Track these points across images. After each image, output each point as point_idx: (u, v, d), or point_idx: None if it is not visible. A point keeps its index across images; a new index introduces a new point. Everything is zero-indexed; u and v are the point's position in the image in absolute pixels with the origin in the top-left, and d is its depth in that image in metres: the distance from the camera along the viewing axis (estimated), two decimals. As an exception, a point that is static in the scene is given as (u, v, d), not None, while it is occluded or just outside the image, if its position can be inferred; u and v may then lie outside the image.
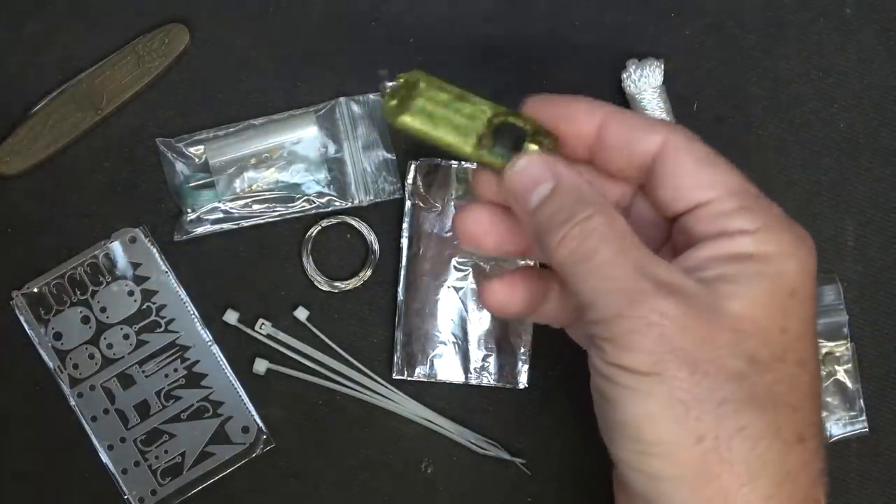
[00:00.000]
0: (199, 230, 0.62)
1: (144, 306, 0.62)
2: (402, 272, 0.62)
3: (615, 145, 0.47)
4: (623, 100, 0.62)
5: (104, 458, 0.62)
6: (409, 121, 0.48)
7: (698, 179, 0.45)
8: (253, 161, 0.62)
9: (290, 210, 0.62)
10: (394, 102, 0.49)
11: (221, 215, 0.62)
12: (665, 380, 0.42)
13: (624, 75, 0.61)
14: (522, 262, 0.61)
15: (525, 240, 0.49)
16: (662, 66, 0.61)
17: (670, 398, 0.42)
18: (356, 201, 0.62)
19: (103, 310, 0.62)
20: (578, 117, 0.47)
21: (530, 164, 0.46)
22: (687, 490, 0.42)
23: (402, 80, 0.50)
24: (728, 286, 0.43)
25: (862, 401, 0.62)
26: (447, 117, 0.48)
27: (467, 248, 0.54)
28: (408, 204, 0.62)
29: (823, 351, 0.62)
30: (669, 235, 0.48)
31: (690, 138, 0.46)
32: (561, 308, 0.51)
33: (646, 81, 0.61)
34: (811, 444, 0.44)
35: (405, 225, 0.62)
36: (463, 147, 0.48)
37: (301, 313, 0.62)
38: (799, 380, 0.44)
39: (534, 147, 0.47)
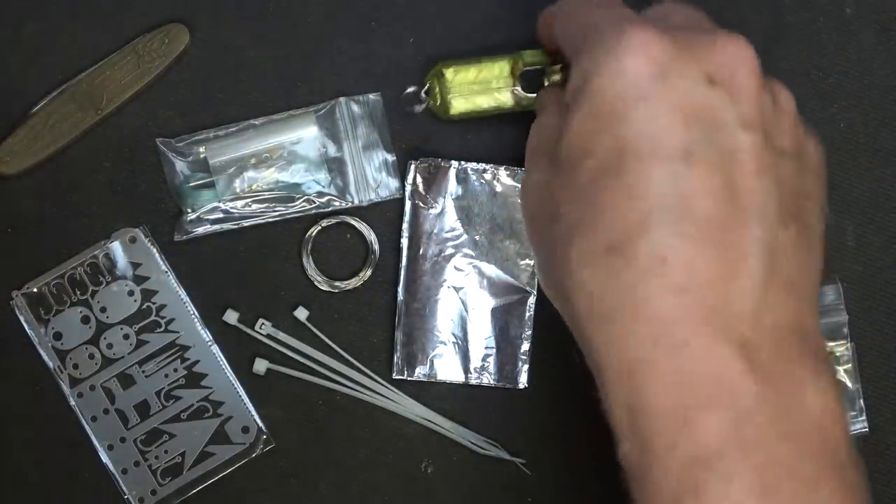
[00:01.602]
0: (199, 230, 0.62)
1: (144, 306, 0.62)
2: (402, 272, 0.62)
3: None
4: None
5: (104, 458, 0.62)
6: (455, 113, 0.60)
7: None
8: (253, 161, 0.62)
9: (290, 210, 0.62)
10: (436, 103, 0.60)
11: (221, 215, 0.62)
12: None
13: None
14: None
15: None
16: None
17: None
18: (356, 201, 0.62)
19: (103, 310, 0.62)
20: None
21: None
22: None
23: (431, 82, 0.60)
24: None
25: (862, 401, 0.62)
26: (482, 90, 0.59)
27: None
28: (408, 204, 0.62)
29: (823, 351, 0.62)
30: None
31: None
32: None
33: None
34: None
35: (405, 225, 0.62)
36: (506, 105, 0.59)
37: (301, 313, 0.62)
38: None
39: (556, 77, 0.54)
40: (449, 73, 0.59)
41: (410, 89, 0.61)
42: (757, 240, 0.41)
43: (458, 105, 0.60)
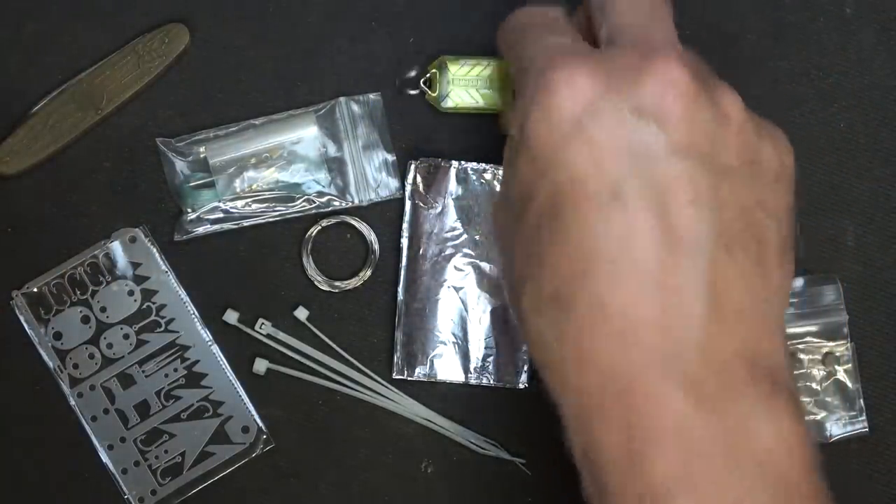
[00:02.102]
0: (199, 230, 0.62)
1: (144, 306, 0.62)
2: (402, 272, 0.62)
3: None
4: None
5: (104, 458, 0.62)
6: (452, 105, 0.61)
7: None
8: (253, 161, 0.62)
9: (290, 210, 0.62)
10: (434, 93, 0.60)
11: (221, 215, 0.62)
12: None
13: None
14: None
15: None
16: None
17: None
18: (356, 201, 0.62)
19: (103, 309, 0.62)
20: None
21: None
22: None
23: (433, 72, 0.61)
24: None
25: (862, 401, 0.62)
26: (482, 87, 0.60)
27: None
28: (408, 204, 0.62)
29: (823, 351, 0.62)
30: None
31: None
32: None
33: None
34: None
35: (405, 225, 0.62)
36: (504, 106, 0.60)
37: (301, 313, 0.62)
38: None
39: None
40: (453, 65, 0.60)
41: (412, 73, 0.62)
42: (695, 275, 0.40)
43: (456, 98, 0.61)
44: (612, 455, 0.40)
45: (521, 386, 0.62)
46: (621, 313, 0.40)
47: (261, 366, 0.62)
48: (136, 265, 0.62)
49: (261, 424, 0.62)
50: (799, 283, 0.63)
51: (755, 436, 0.40)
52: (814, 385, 0.62)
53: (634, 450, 0.40)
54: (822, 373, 0.62)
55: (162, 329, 0.62)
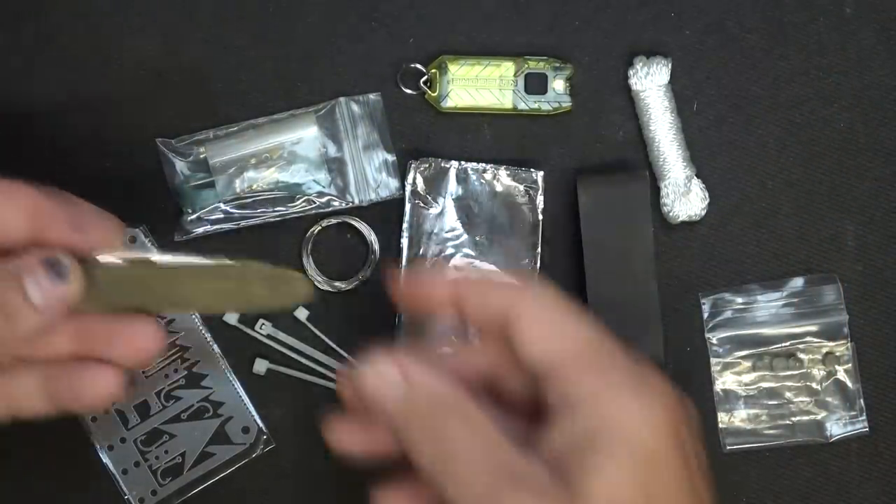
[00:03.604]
0: (199, 230, 0.62)
1: (144, 306, 0.62)
2: (402, 272, 0.62)
3: (472, 313, 0.46)
4: (626, 97, 0.62)
5: (104, 458, 0.62)
6: (452, 105, 0.61)
7: (544, 346, 0.44)
8: (253, 161, 0.62)
9: (290, 210, 0.62)
10: (434, 93, 0.60)
11: (221, 215, 0.62)
12: None
13: (630, 72, 0.61)
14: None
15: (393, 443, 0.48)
16: (670, 64, 0.61)
17: None
18: (356, 201, 0.62)
19: (103, 310, 0.62)
20: (437, 293, 0.47)
21: (380, 371, 0.45)
22: None
23: (433, 72, 0.60)
24: (580, 468, 0.41)
25: (862, 401, 0.62)
26: (482, 87, 0.60)
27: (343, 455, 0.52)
28: (408, 204, 0.62)
29: (823, 351, 0.62)
30: None
31: (538, 299, 0.45)
32: None
33: (651, 79, 0.61)
34: None
35: (405, 225, 0.62)
36: (504, 106, 0.61)
37: (301, 313, 0.62)
38: None
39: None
40: (453, 65, 0.61)
41: (414, 64, 0.62)
42: None
43: (456, 98, 0.61)
44: None
45: (522, 386, 0.62)
46: None
47: (261, 366, 0.62)
48: (136, 265, 0.62)
49: (261, 425, 0.62)
50: (799, 283, 0.63)
51: None
52: (814, 385, 0.62)
53: None
54: (822, 373, 0.62)
55: (162, 329, 0.62)
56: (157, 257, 0.47)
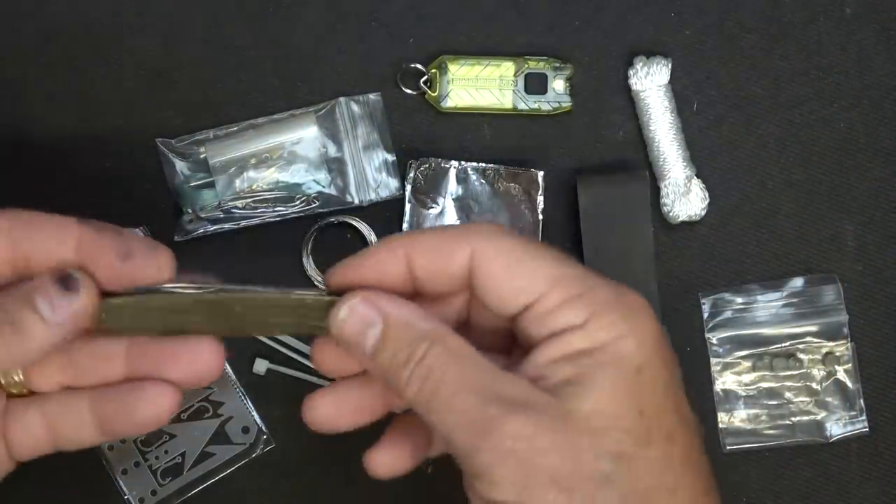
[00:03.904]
0: (199, 230, 0.62)
1: (144, 306, 0.62)
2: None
3: (428, 275, 0.45)
4: (626, 97, 0.62)
5: (104, 458, 0.62)
6: (452, 105, 0.61)
7: (515, 283, 0.43)
8: (253, 161, 0.62)
9: (290, 210, 0.62)
10: (434, 93, 0.61)
11: (221, 215, 0.62)
12: None
13: (630, 72, 0.61)
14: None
15: (380, 405, 0.48)
16: (670, 65, 0.61)
17: None
18: (356, 201, 0.62)
19: (103, 310, 0.62)
20: (385, 267, 0.45)
21: (354, 310, 0.44)
22: None
23: (433, 72, 0.60)
24: (573, 387, 0.42)
25: (862, 401, 0.62)
26: (482, 87, 0.60)
27: (322, 432, 0.51)
28: (408, 204, 0.62)
29: (823, 351, 0.62)
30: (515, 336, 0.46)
31: (496, 239, 0.44)
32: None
33: (652, 79, 0.61)
34: None
35: (405, 225, 0.62)
36: (504, 106, 0.61)
37: (301, 313, 0.62)
38: (671, 457, 0.42)
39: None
40: (453, 65, 0.61)
41: (414, 64, 0.62)
42: None
43: (456, 98, 0.61)
44: None
45: (522, 386, 0.62)
46: None
47: (261, 366, 0.62)
48: (136, 265, 0.62)
49: (261, 425, 0.62)
50: (799, 283, 0.63)
51: None
52: (814, 385, 0.62)
53: None
54: (822, 373, 0.62)
55: (162, 329, 0.62)
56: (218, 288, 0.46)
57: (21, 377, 0.46)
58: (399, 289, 0.45)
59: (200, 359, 0.46)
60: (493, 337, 0.46)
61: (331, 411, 0.48)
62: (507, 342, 0.47)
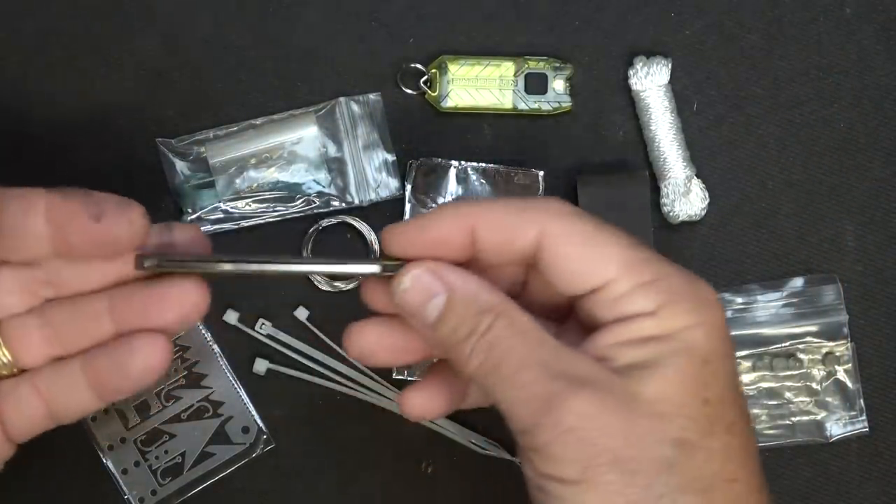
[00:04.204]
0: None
1: (144, 306, 0.62)
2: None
3: (491, 248, 0.44)
4: (626, 97, 0.62)
5: (104, 458, 0.62)
6: (452, 105, 0.61)
7: (586, 264, 0.43)
8: (253, 161, 0.62)
9: (290, 210, 0.62)
10: (434, 93, 0.61)
11: (221, 215, 0.62)
12: (597, 486, 0.40)
13: (630, 72, 0.61)
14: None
15: (421, 348, 0.47)
16: (670, 65, 0.61)
17: None
18: (356, 201, 0.62)
19: (103, 310, 0.62)
20: (449, 236, 0.44)
21: (419, 279, 0.44)
22: None
23: (433, 71, 0.61)
24: (639, 371, 0.41)
25: (862, 401, 0.62)
26: (482, 87, 0.60)
27: (361, 363, 0.52)
28: (408, 204, 0.62)
29: (823, 351, 0.62)
30: (572, 309, 0.46)
31: (568, 218, 0.44)
32: (483, 394, 0.48)
33: (652, 80, 0.61)
34: None
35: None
36: (504, 106, 0.61)
37: (301, 313, 0.62)
38: (731, 448, 0.42)
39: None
40: (453, 65, 0.61)
41: (414, 64, 0.62)
42: None
43: (456, 98, 0.61)
44: None
45: (522, 386, 0.62)
46: None
47: (261, 366, 0.62)
48: (136, 265, 0.62)
49: (261, 424, 0.62)
50: (799, 283, 0.63)
51: None
52: (814, 385, 0.62)
53: None
54: (822, 373, 0.62)
55: (162, 329, 0.62)
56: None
57: (9, 357, 0.45)
58: (457, 257, 0.45)
59: (188, 297, 0.45)
60: (545, 308, 0.46)
61: (372, 343, 0.47)
62: (559, 313, 0.46)
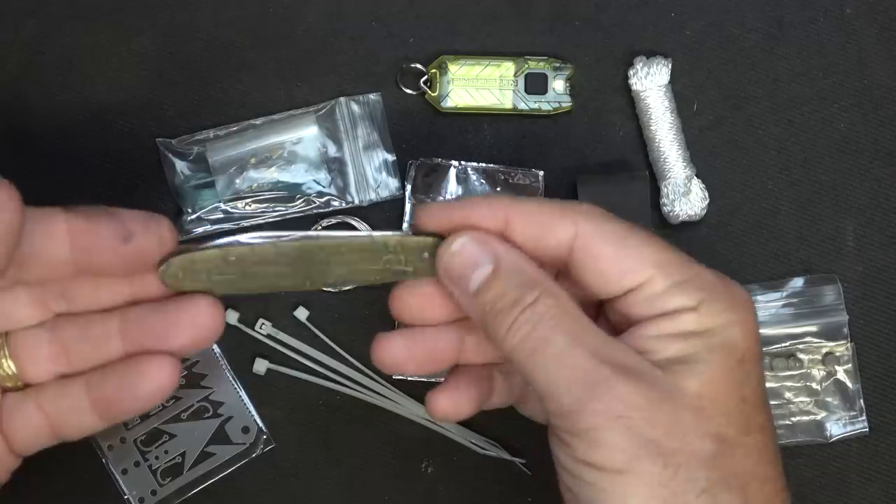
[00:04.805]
0: (200, 230, 0.62)
1: (144, 306, 0.62)
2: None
3: (525, 242, 0.44)
4: (626, 97, 0.62)
5: (104, 458, 0.62)
6: (452, 105, 0.61)
7: (622, 265, 0.43)
8: (253, 161, 0.62)
9: (290, 210, 0.62)
10: (434, 93, 0.61)
11: (221, 215, 0.62)
12: (641, 476, 0.40)
13: (630, 72, 0.61)
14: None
15: (448, 358, 0.47)
16: (670, 65, 0.61)
17: (649, 496, 0.40)
18: (356, 201, 0.62)
19: (103, 310, 0.62)
20: (484, 221, 0.44)
21: (466, 245, 0.44)
22: None
23: (433, 71, 0.61)
24: (682, 366, 0.42)
25: (862, 401, 0.62)
26: (482, 87, 0.60)
27: (389, 373, 0.51)
28: (408, 204, 0.62)
29: (823, 351, 0.62)
30: (599, 310, 0.46)
31: (601, 221, 0.44)
32: (507, 393, 0.49)
33: (652, 80, 0.61)
34: None
35: (405, 225, 0.62)
36: (504, 106, 0.61)
37: (301, 313, 0.62)
38: (765, 448, 0.43)
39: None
40: (453, 65, 0.61)
41: (414, 64, 0.62)
42: None
43: (456, 98, 0.61)
44: None
45: (522, 386, 0.62)
46: None
47: (261, 366, 0.62)
48: (136, 265, 0.62)
49: (261, 424, 0.62)
50: (799, 283, 0.63)
51: None
52: (814, 385, 0.62)
53: None
54: (822, 373, 0.62)
55: (162, 329, 0.62)
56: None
57: (14, 369, 0.45)
58: None
59: (202, 320, 0.44)
60: None
61: (402, 352, 0.47)
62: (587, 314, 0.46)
